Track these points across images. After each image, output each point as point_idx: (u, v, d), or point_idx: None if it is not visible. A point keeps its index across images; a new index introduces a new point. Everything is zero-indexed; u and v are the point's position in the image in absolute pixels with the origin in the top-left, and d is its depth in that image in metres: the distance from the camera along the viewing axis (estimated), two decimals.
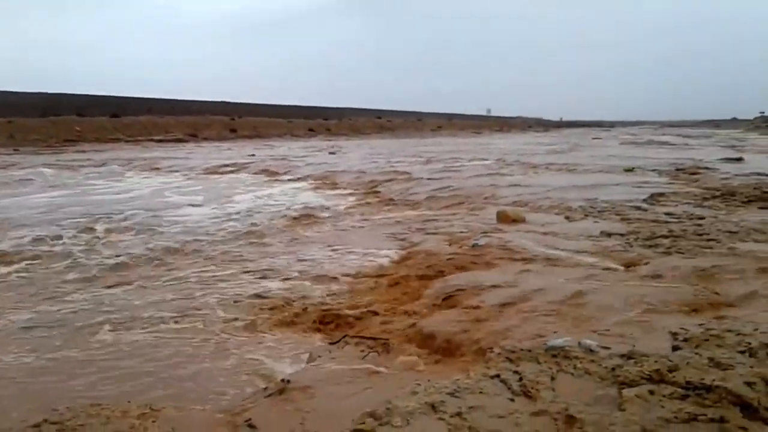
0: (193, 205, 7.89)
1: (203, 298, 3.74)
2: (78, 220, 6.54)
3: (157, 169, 13.54)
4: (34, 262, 4.71)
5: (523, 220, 5.88)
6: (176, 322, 3.31)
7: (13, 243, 5.30)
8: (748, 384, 1.87)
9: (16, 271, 4.47)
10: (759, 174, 9.41)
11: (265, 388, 2.38)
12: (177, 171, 13.08)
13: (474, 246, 4.70)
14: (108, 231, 5.96)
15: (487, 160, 15.01)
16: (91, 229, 6.00)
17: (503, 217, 5.91)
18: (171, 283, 4.14)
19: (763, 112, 64.62)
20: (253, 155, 17.69)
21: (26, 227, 6.08)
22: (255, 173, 12.63)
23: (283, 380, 2.39)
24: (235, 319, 3.32)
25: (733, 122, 75.88)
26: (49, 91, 31.21)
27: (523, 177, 10.58)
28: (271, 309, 3.47)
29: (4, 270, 4.49)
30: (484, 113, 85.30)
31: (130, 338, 3.09)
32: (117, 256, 4.88)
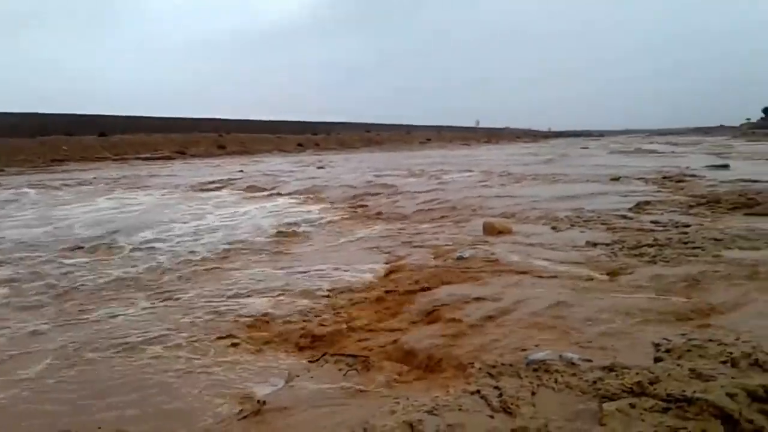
0: (179, 222, 7.78)
1: (177, 318, 3.63)
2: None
3: (142, 187, 13.42)
4: None
5: (509, 232, 5.85)
6: (148, 344, 3.21)
7: None
8: (730, 395, 1.83)
9: None
10: (744, 181, 9.46)
11: (240, 411, 2.31)
12: (161, 189, 12.96)
13: (459, 258, 4.66)
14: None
15: (474, 171, 15.02)
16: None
17: (489, 229, 5.88)
18: (147, 301, 4.06)
19: (749, 119, 66.01)
20: (241, 171, 17.62)
21: None
22: (241, 189, 12.52)
23: (258, 401, 2.34)
24: (211, 339, 3.22)
25: (721, 129, 77.19)
26: (39, 112, 31.14)
27: (510, 188, 10.58)
28: (249, 327, 3.38)
29: None
30: (473, 125, 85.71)
31: (102, 363, 3.01)
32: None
